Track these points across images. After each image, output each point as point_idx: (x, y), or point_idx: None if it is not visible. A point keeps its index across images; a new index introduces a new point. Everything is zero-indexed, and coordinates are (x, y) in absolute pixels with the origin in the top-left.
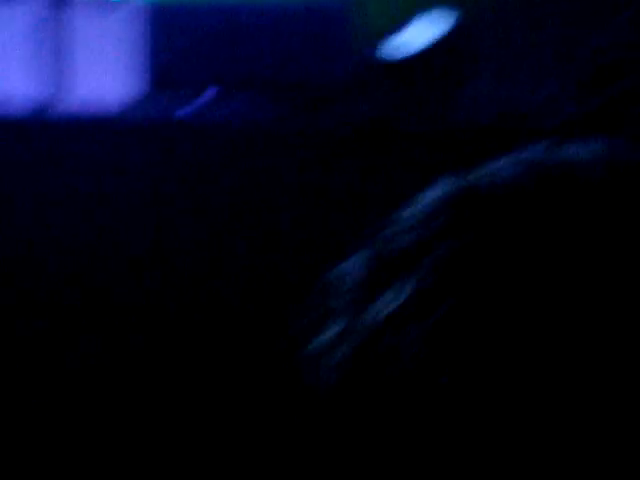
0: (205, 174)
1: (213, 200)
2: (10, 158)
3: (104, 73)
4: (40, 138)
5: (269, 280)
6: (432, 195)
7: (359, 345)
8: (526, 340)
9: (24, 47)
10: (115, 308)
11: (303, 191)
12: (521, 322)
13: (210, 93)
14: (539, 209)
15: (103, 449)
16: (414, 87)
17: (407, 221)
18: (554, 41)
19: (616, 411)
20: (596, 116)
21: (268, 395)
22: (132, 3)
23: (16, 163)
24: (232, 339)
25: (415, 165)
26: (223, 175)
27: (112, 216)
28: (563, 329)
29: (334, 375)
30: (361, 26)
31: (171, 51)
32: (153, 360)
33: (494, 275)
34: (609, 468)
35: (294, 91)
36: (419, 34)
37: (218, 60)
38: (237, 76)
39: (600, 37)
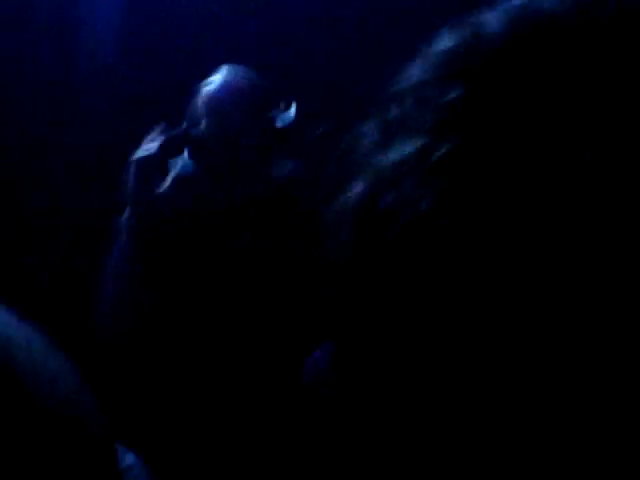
0: None
1: None
2: None
3: None
4: None
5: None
6: (431, 52)
7: (362, 203)
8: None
9: None
10: None
11: None
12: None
13: None
14: (530, 60)
15: None
16: None
17: (407, 83)
18: None
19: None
20: None
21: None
22: None
23: None
24: None
25: None
26: None
27: None
28: (562, 179)
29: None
30: None
31: None
32: None
33: (495, 122)
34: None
35: None
36: None
37: None
38: None
39: None
